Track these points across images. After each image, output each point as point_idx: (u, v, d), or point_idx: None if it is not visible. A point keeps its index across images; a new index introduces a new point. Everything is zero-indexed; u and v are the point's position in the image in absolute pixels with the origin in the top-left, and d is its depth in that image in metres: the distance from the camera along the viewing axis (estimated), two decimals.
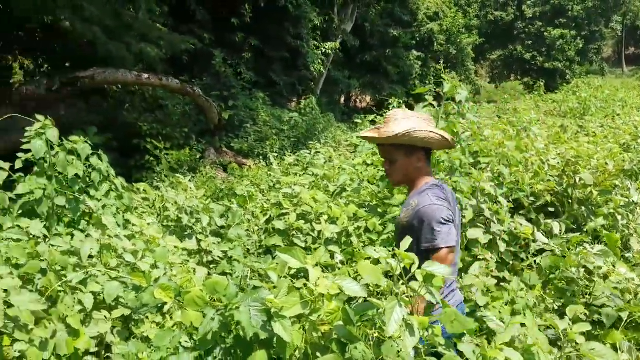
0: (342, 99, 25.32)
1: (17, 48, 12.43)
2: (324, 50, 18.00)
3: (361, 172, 4.15)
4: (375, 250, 1.63)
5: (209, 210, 3.82)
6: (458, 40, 27.97)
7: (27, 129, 3.88)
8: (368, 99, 27.50)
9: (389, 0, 23.35)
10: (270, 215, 4.04)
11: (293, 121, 12.73)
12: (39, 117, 3.81)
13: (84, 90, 8.95)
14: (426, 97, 3.93)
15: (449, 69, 26.96)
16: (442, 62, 25.58)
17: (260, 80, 14.91)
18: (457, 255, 2.30)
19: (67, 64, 11.21)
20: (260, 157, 10.80)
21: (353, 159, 5.19)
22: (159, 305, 2.23)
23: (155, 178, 8.83)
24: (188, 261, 3.50)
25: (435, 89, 3.98)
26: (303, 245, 3.48)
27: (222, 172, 9.87)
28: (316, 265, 1.71)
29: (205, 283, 1.81)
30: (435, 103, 3.90)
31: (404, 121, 2.25)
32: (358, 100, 28.37)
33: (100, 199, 4.10)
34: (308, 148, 8.36)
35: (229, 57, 13.38)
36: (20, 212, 3.80)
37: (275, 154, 9.90)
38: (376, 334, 1.72)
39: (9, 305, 2.35)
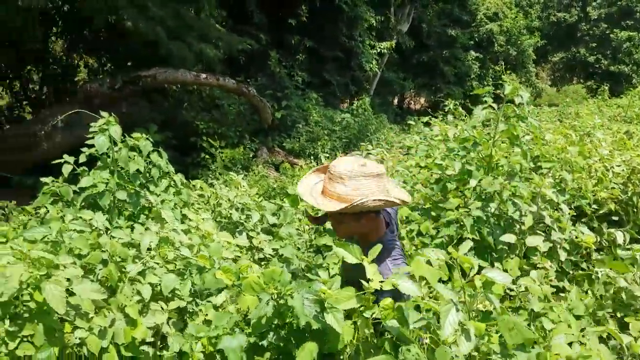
0: (396, 100, 25.09)
1: (82, 47, 13.09)
2: (379, 49, 17.88)
3: (414, 175, 4.08)
4: (432, 251, 1.59)
5: (261, 207, 3.87)
6: (519, 42, 27.10)
7: (91, 125, 4.06)
8: (422, 100, 27.10)
9: (448, 1, 22.95)
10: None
11: (345, 122, 12.73)
12: (104, 113, 3.98)
13: (145, 89, 9.31)
14: (485, 98, 3.82)
15: (509, 70, 26.19)
16: (501, 63, 24.87)
17: (314, 81, 15.01)
18: None
19: (129, 63, 11.70)
20: (311, 157, 10.87)
21: (406, 161, 5.12)
22: (220, 288, 2.31)
23: (210, 175, 9.07)
24: (239, 257, 3.56)
25: (494, 90, 3.85)
26: None
27: (273, 171, 10.01)
28: (372, 262, 1.70)
29: (263, 271, 1.85)
30: (494, 105, 3.78)
31: (352, 182, 1.95)
32: (412, 102, 28.03)
33: (159, 195, 4.24)
34: (359, 149, 8.32)
35: (284, 58, 13.56)
36: (83, 204, 3.99)
37: (327, 155, 9.93)
38: (428, 338, 1.69)
39: (71, 293, 2.47)
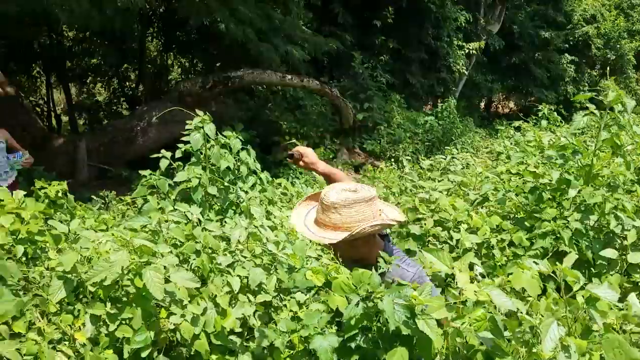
0: (482, 104, 24.24)
1: (176, 48, 13.85)
2: (467, 50, 17.34)
3: (506, 182, 3.91)
4: (534, 262, 1.51)
5: None
6: (618, 46, 25.21)
7: (187, 122, 4.28)
8: (511, 104, 25.98)
9: (542, 2, 21.83)
10: (406, 220, 3.99)
11: (428, 124, 12.48)
12: (199, 112, 4.18)
13: (233, 89, 9.67)
14: (585, 105, 3.59)
15: (607, 75, 24.45)
16: (598, 67, 23.28)
17: (397, 82, 14.85)
18: None
19: (217, 64, 12.22)
20: (392, 160, 10.76)
21: (495, 167, 4.93)
22: (309, 288, 2.34)
23: (291, 174, 9.26)
24: (321, 256, 3.59)
25: (594, 96, 3.61)
26: None
27: (353, 172, 10.02)
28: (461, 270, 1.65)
29: (354, 272, 1.85)
30: (596, 112, 3.54)
31: (346, 210, 2.00)
32: (500, 106, 26.96)
33: (247, 191, 4.38)
34: (444, 153, 8.14)
35: (367, 59, 13.54)
36: (177, 197, 4.21)
37: (408, 158, 9.79)
38: (524, 352, 1.61)
39: (167, 280, 2.61)
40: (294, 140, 4.91)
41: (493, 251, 3.08)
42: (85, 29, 9.67)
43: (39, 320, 2.55)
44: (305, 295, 2.42)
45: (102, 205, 5.32)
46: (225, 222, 3.34)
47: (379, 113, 12.35)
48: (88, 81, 14.73)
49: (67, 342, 2.44)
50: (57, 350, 2.37)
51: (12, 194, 3.44)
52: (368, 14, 14.10)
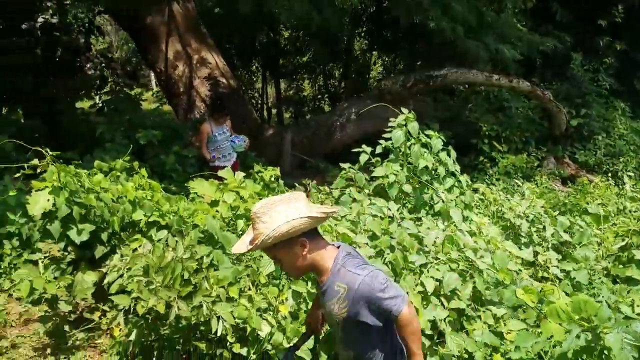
0: None
1: (379, 47, 14.20)
2: None
3: None
4: None
5: (555, 222, 3.53)
6: None
7: (391, 119, 4.34)
8: None
9: None
10: (628, 243, 3.46)
11: None
12: (404, 110, 4.21)
13: (434, 88, 9.53)
14: None
15: None
16: None
17: (621, 88, 13.00)
18: None
19: (418, 62, 12.17)
20: (609, 175, 9.49)
21: None
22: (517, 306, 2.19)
23: (486, 180, 8.78)
24: (520, 271, 3.32)
25: None
26: None
27: (559, 184, 9.10)
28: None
29: (573, 299, 1.65)
30: None
31: (266, 216, 1.85)
32: None
33: (443, 193, 4.27)
34: None
35: (587, 61, 12.10)
36: (372, 192, 4.31)
37: (630, 174, 8.54)
38: None
39: None
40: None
41: None
42: (301, 28, 10.49)
43: (249, 289, 2.85)
44: (507, 311, 2.25)
45: (304, 193, 5.73)
46: (421, 221, 3.31)
47: (597, 121, 10.95)
48: (297, 77, 16.04)
49: (271, 312, 2.68)
50: (263, 318, 2.62)
51: (234, 173, 3.92)
52: (592, 13, 12.59)
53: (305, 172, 8.77)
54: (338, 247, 2.00)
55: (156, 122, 7.58)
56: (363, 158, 4.31)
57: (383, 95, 8.99)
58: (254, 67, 15.66)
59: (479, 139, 9.57)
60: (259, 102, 15.89)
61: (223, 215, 3.39)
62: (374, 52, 15.01)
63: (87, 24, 11.80)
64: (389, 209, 3.19)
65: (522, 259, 3.44)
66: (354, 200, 4.10)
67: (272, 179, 4.09)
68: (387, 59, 14.97)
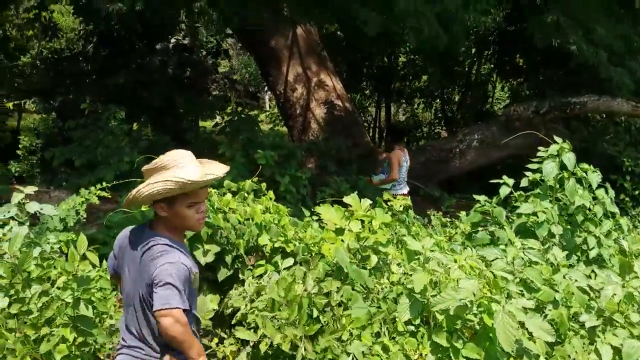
0: None
1: (504, 71, 13.40)
2: None
3: None
4: None
5: None
6: None
7: (540, 148, 3.85)
8: None
9: None
10: None
11: None
12: (557, 139, 3.71)
13: (567, 116, 8.71)
14: None
15: None
16: None
17: None
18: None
19: (550, 89, 11.26)
20: None
21: None
22: None
23: (629, 223, 7.75)
24: None
25: None
26: None
27: None
28: None
29: None
30: None
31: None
32: None
33: (598, 237, 3.67)
34: None
35: None
36: (514, 230, 3.82)
37: None
38: None
39: (522, 324, 2.26)
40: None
41: None
42: (425, 50, 10.16)
43: (384, 335, 2.54)
44: None
45: (425, 225, 5.32)
46: (593, 272, 2.79)
47: None
48: (412, 101, 15.65)
49: None
50: None
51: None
52: None
53: (417, 199, 8.35)
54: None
55: (275, 143, 7.61)
56: (504, 191, 3.85)
57: (511, 121, 8.34)
58: (368, 90, 15.56)
59: (619, 174, 8.57)
60: (371, 125, 15.73)
61: (350, 246, 3.12)
62: (497, 77, 14.24)
63: (214, 47, 12.48)
64: (555, 256, 2.72)
65: None
66: (492, 238, 3.66)
67: (402, 208, 3.78)
68: (513, 83, 14.09)
